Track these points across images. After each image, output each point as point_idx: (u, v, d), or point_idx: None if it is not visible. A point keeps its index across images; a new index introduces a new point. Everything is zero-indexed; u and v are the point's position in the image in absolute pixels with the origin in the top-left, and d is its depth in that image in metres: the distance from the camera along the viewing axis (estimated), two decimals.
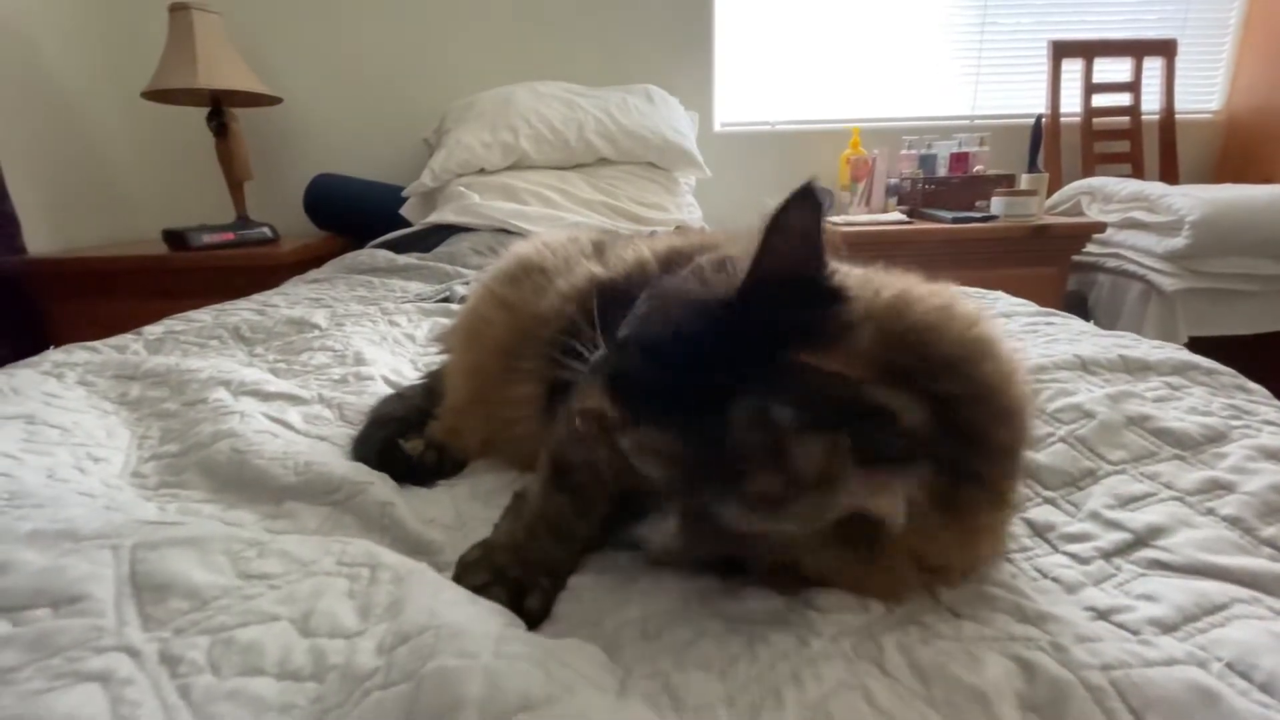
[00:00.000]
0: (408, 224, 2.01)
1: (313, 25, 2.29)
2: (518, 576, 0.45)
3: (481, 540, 0.50)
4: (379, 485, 0.58)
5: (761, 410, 0.33)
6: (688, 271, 0.44)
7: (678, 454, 0.36)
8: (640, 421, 0.37)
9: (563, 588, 0.47)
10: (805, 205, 0.36)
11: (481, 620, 0.37)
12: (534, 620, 0.43)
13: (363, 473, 0.61)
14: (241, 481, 0.62)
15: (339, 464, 0.62)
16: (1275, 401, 0.69)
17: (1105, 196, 2.05)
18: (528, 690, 0.30)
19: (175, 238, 1.88)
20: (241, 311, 1.24)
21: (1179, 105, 2.37)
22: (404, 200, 2.06)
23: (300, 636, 0.36)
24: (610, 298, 0.63)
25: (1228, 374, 0.75)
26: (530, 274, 0.71)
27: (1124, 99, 2.38)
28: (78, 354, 0.97)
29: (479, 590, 0.43)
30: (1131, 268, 1.93)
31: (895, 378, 0.36)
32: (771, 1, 2.37)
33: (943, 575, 0.43)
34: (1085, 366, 0.78)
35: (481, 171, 1.98)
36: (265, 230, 2.04)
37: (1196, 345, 1.10)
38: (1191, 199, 1.77)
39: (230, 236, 1.96)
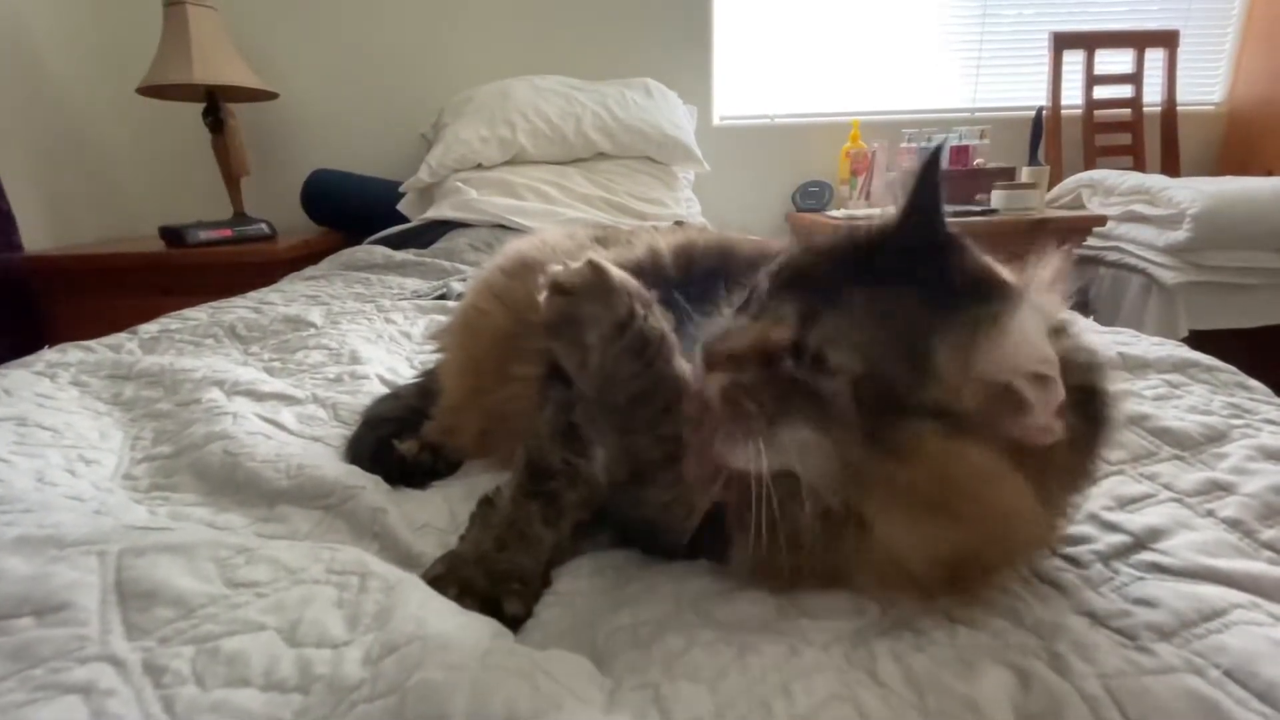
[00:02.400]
0: (406, 219, 2.00)
1: (309, 20, 2.28)
2: (486, 589, 0.44)
3: (447, 553, 0.49)
4: (371, 490, 0.58)
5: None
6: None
7: (875, 337, 0.37)
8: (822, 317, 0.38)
9: (539, 592, 0.46)
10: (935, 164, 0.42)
11: (470, 631, 0.36)
12: (518, 624, 0.43)
13: (355, 476, 0.60)
14: (233, 484, 0.61)
15: (332, 467, 0.62)
16: (1276, 400, 0.69)
17: (1106, 189, 2.04)
18: (513, 704, 0.30)
19: (172, 235, 1.88)
20: (238, 309, 1.23)
21: (1181, 97, 2.36)
22: (401, 196, 2.06)
23: (287, 646, 0.36)
24: None
25: (1228, 371, 0.75)
26: (528, 269, 0.70)
27: (1125, 91, 2.36)
28: (72, 353, 0.96)
29: None
30: (1132, 261, 1.92)
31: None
32: None
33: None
34: None
35: (479, 167, 1.97)
36: (262, 226, 2.04)
37: (1197, 338, 1.10)
38: (1193, 192, 1.77)
39: (227, 233, 1.96)
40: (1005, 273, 0.41)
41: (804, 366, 0.38)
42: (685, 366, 0.45)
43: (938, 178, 0.42)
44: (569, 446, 0.51)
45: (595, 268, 0.45)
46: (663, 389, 0.44)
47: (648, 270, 0.64)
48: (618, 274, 0.45)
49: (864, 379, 0.36)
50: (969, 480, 0.36)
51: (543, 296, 0.45)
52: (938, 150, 0.44)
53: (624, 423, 0.45)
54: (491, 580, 0.45)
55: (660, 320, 0.46)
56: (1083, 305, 2.05)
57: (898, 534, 0.38)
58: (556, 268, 0.45)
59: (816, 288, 0.40)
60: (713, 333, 0.42)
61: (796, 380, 0.38)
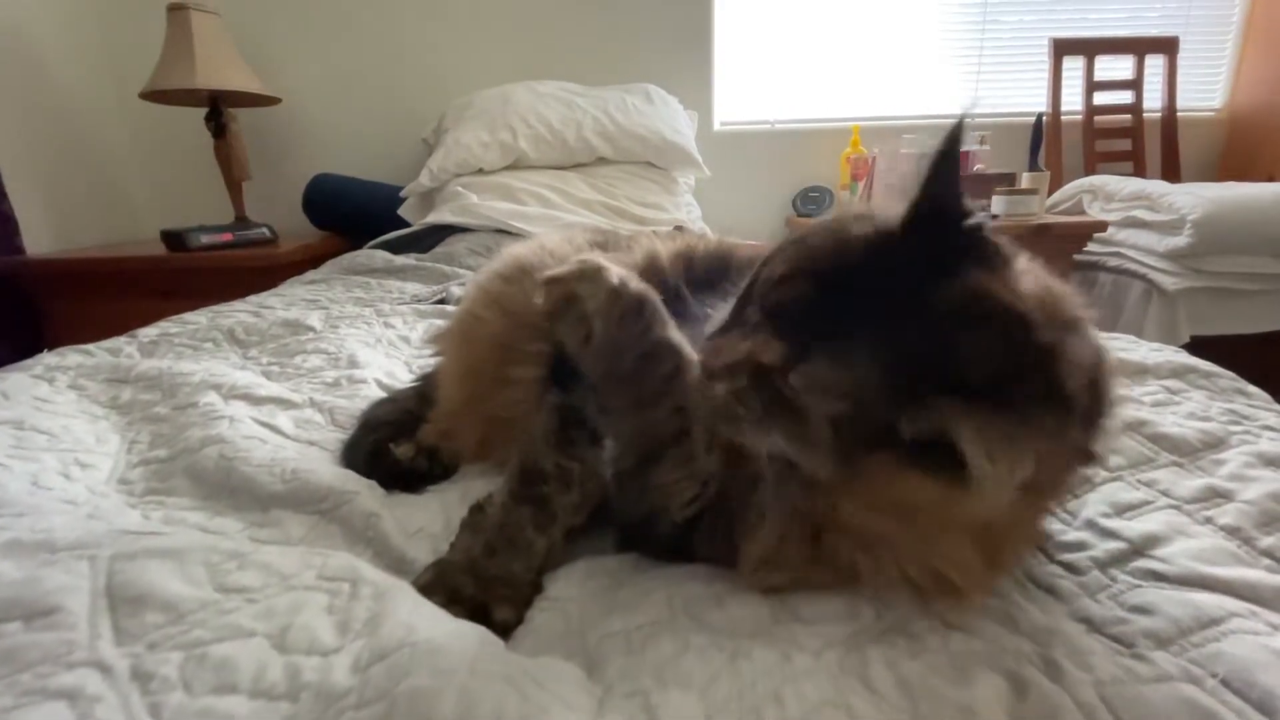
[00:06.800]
0: (406, 224, 2.00)
1: (311, 25, 2.29)
2: (474, 595, 0.44)
3: (436, 560, 0.48)
4: (365, 495, 0.58)
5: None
6: (827, 221, 0.42)
7: (858, 381, 0.34)
8: (811, 355, 0.35)
9: (530, 597, 0.46)
10: (955, 140, 0.37)
11: (459, 637, 0.36)
12: (508, 630, 0.42)
13: (350, 481, 0.60)
14: (228, 488, 0.61)
15: (327, 471, 0.62)
16: (1275, 406, 0.68)
17: (1107, 195, 2.04)
18: (501, 711, 0.30)
19: (173, 238, 1.88)
20: (237, 313, 1.23)
21: (1181, 103, 2.36)
22: (403, 200, 2.06)
23: (276, 653, 0.36)
24: None
25: (1227, 377, 0.74)
26: (525, 274, 0.70)
27: (1126, 97, 2.36)
28: (71, 357, 0.96)
29: None
30: (1133, 266, 1.92)
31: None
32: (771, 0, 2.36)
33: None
34: None
35: (480, 171, 1.97)
36: (264, 231, 2.04)
37: (1198, 344, 1.09)
38: (1193, 197, 1.76)
39: (229, 237, 1.95)
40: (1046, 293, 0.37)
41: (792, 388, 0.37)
42: (680, 336, 0.47)
43: (957, 157, 0.36)
44: (563, 450, 0.51)
45: (582, 260, 0.47)
46: (666, 352, 0.45)
47: (646, 276, 0.64)
48: (603, 259, 0.47)
49: (844, 418, 0.35)
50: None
51: (539, 292, 0.47)
52: (959, 126, 0.37)
53: (635, 394, 0.45)
54: (480, 587, 0.44)
55: (648, 288, 0.47)
56: None
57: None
58: (548, 271, 0.48)
59: (804, 316, 0.37)
60: (707, 345, 0.42)
61: (784, 395, 0.36)
